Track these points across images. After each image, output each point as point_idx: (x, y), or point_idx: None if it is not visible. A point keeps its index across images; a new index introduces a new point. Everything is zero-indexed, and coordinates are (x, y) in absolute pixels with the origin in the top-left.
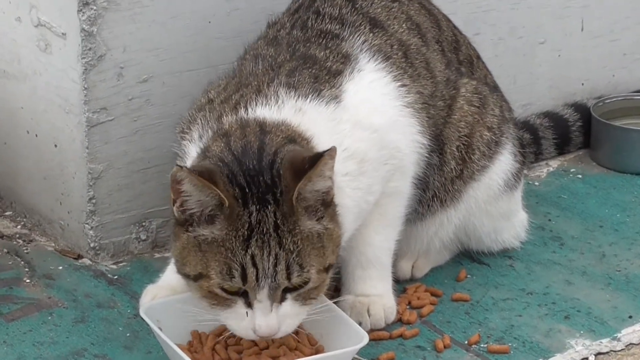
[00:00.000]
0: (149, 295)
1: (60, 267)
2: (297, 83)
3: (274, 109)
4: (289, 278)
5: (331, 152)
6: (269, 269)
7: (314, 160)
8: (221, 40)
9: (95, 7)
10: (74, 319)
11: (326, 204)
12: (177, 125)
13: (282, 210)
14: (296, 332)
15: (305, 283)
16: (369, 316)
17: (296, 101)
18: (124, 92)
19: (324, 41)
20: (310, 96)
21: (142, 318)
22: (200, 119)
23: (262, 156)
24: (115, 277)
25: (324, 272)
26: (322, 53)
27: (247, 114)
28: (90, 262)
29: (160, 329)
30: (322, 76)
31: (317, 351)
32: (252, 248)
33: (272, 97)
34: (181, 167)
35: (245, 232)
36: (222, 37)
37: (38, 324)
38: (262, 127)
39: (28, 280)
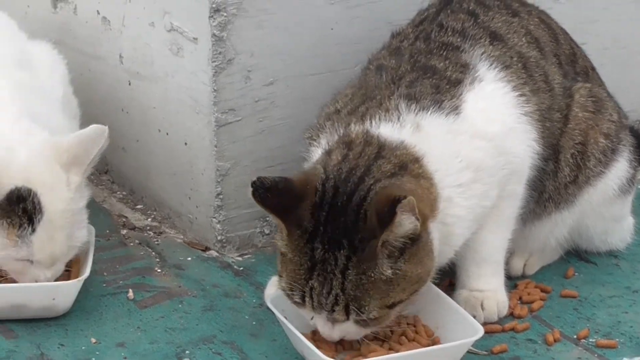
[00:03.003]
0: (273, 286)
1: (189, 258)
2: (418, 94)
3: (396, 126)
4: (346, 316)
5: (406, 202)
6: (326, 305)
7: (392, 210)
8: (342, 47)
9: (225, 14)
10: (203, 307)
11: (413, 240)
12: (306, 131)
13: (359, 256)
14: (414, 324)
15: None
16: (483, 310)
17: (416, 115)
18: (251, 94)
19: (444, 52)
20: (431, 108)
21: (267, 307)
22: (329, 128)
23: (358, 189)
24: (241, 268)
25: (388, 308)
26: (441, 64)
27: (372, 128)
28: (217, 254)
29: (286, 318)
30: (443, 86)
31: (434, 342)
32: (313, 281)
33: (394, 112)
34: (255, 180)
35: (308, 263)
36: (343, 43)
37: (169, 311)
38: (380, 151)
39: (159, 270)
